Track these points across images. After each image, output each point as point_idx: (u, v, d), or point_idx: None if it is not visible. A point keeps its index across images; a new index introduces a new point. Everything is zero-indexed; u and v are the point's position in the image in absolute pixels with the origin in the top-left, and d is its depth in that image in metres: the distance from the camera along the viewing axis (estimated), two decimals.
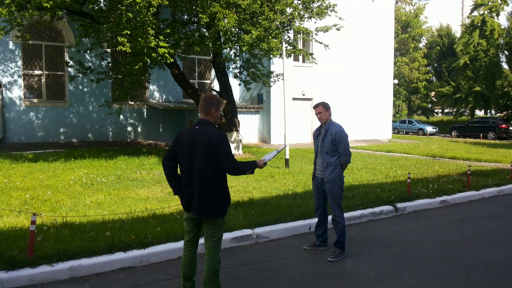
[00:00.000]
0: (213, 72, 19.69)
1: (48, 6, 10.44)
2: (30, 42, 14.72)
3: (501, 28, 37.54)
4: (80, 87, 17.77)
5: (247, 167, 3.84)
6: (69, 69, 16.44)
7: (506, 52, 39.29)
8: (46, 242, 4.89)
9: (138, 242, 5.06)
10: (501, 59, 39.33)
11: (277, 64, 18.78)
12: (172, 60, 12.04)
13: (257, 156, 14.75)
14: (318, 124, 5.52)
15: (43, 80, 17.24)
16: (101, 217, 6.04)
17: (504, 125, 29.70)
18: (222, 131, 15.67)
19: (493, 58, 36.39)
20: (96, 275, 4.56)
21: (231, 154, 3.75)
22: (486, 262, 5.14)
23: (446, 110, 59.43)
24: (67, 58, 16.78)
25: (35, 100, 17.10)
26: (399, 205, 7.69)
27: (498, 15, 37.50)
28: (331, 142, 5.21)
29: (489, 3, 36.98)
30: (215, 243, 3.79)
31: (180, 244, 5.10)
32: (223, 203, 3.79)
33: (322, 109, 5.30)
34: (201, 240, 3.91)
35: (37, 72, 17.14)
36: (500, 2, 37.05)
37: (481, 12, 37.60)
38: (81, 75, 14.94)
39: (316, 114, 5.36)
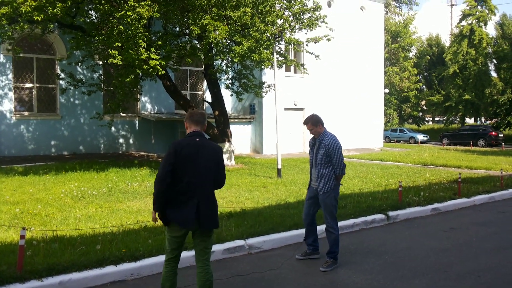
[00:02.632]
0: (205, 83, 19.76)
1: (39, 19, 10.46)
2: (21, 55, 14.69)
3: (489, 37, 38.09)
4: (72, 99, 17.71)
5: None
6: (61, 81, 16.39)
7: (494, 60, 39.83)
8: (36, 256, 4.84)
9: (129, 255, 5.02)
10: (490, 68, 39.85)
11: (268, 75, 18.90)
12: (163, 72, 12.07)
13: (249, 166, 14.74)
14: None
15: (34, 92, 17.16)
16: (91, 230, 5.99)
17: (494, 133, 30.02)
18: (214, 141, 15.66)
19: (482, 67, 36.86)
20: None
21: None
22: (478, 270, 5.16)
23: (436, 118, 59.95)
24: (58, 71, 16.73)
25: (26, 113, 17.01)
26: (391, 213, 7.71)
27: (486, 24, 38.08)
28: (324, 154, 5.22)
29: (477, 13, 37.54)
30: (209, 255, 3.82)
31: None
32: (217, 215, 3.87)
33: (311, 126, 5.31)
34: (187, 253, 3.88)
35: (28, 85, 17.07)
36: (487, 12, 37.63)
37: (470, 21, 38.16)
38: (72, 88, 14.90)
39: (308, 129, 5.39)
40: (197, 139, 3.76)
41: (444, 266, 5.30)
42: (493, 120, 38.67)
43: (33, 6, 10.13)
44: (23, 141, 16.73)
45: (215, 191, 3.85)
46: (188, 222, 3.64)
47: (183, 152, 3.65)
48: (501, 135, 30.57)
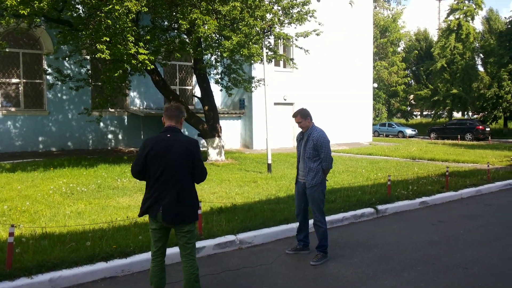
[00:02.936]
0: (194, 78, 19.67)
1: (25, 14, 10.29)
2: (7, 50, 14.46)
3: (476, 32, 38.50)
4: (59, 95, 17.52)
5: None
6: (48, 76, 16.20)
7: (481, 55, 40.31)
8: (25, 253, 4.80)
9: (119, 251, 5.01)
10: (477, 62, 40.30)
11: (258, 70, 18.87)
12: (152, 66, 11.99)
13: (239, 161, 14.76)
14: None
15: (21, 88, 16.94)
16: (81, 227, 5.96)
17: (481, 126, 30.38)
18: (204, 137, 15.55)
19: (469, 61, 37.25)
20: (77, 286, 4.50)
21: (201, 161, 3.87)
22: (465, 262, 5.25)
23: (424, 113, 60.50)
24: (45, 66, 16.53)
25: (13, 109, 16.78)
26: (380, 207, 7.79)
27: (473, 19, 38.45)
28: (312, 148, 5.24)
29: (465, 8, 37.87)
30: (191, 249, 3.81)
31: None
32: (196, 208, 3.86)
33: (300, 118, 5.32)
34: (175, 249, 3.89)
35: (14, 80, 16.84)
36: (474, 7, 37.99)
37: (457, 16, 38.49)
38: (59, 83, 14.74)
39: (296, 123, 5.40)
40: (168, 135, 3.77)
41: (433, 258, 5.38)
42: (480, 114, 39.13)
43: (19, 0, 9.96)
44: (10, 137, 16.53)
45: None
46: (155, 214, 3.71)
47: (154, 148, 3.71)
48: (488, 129, 30.96)
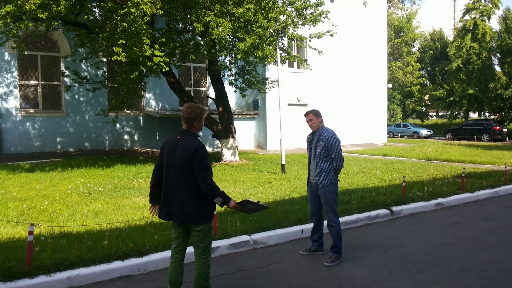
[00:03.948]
0: (208, 80, 19.79)
1: (44, 17, 10.51)
2: (26, 52, 14.77)
3: (492, 31, 37.88)
4: (76, 96, 17.80)
5: (219, 193, 3.74)
6: (65, 78, 16.48)
7: (498, 54, 39.62)
8: (44, 252, 4.90)
9: (136, 250, 5.08)
10: (494, 62, 39.66)
11: (272, 71, 18.89)
12: (167, 68, 12.11)
13: (253, 162, 14.80)
14: None
15: (39, 90, 17.26)
16: (98, 226, 6.06)
17: (497, 127, 29.89)
18: (219, 138, 15.58)
19: (486, 61, 36.69)
20: (94, 284, 4.58)
21: (205, 167, 3.73)
22: (482, 264, 5.19)
23: (440, 113, 59.74)
24: (63, 68, 16.81)
25: (32, 110, 17.11)
26: (394, 208, 7.74)
27: (489, 18, 37.87)
28: (323, 148, 5.26)
29: (480, 7, 37.34)
30: (204, 249, 3.86)
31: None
32: (205, 210, 3.83)
33: (313, 116, 5.35)
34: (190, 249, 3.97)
35: (33, 82, 17.17)
36: (491, 6, 37.41)
37: (473, 16, 37.97)
38: (77, 85, 15.00)
39: (307, 121, 5.41)
40: (179, 137, 3.87)
41: (448, 260, 5.33)
42: (497, 114, 38.48)
43: (37, 4, 10.18)
44: (29, 138, 16.85)
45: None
46: (166, 214, 3.87)
47: (164, 149, 3.92)
48: (505, 130, 30.42)
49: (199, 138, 3.93)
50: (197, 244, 3.85)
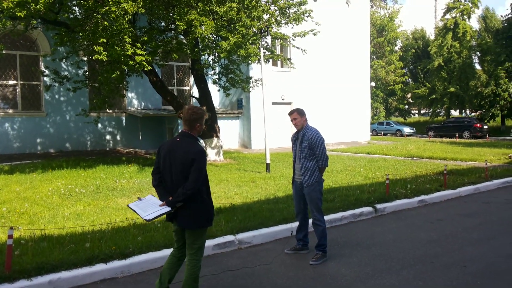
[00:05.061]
0: (192, 79, 19.67)
1: (22, 16, 10.27)
2: (3, 52, 14.44)
3: (472, 30, 38.58)
4: (57, 96, 17.49)
5: (184, 201, 3.68)
6: (45, 78, 16.18)
7: (478, 53, 40.37)
8: (24, 256, 4.80)
9: (119, 252, 5.01)
10: (474, 60, 40.37)
11: (255, 70, 18.89)
12: (149, 67, 11.98)
13: (237, 161, 14.77)
14: None
15: (18, 90, 16.91)
16: (80, 228, 5.96)
17: (478, 124, 30.44)
18: (203, 137, 15.47)
19: (466, 60, 37.32)
20: None
21: (200, 175, 3.67)
22: (464, 260, 5.26)
23: (422, 111, 60.60)
24: (42, 68, 16.49)
25: (10, 111, 16.75)
26: (378, 206, 7.81)
27: (469, 17, 38.51)
28: (307, 147, 5.27)
29: (461, 6, 37.95)
30: (197, 250, 3.84)
31: (162, 253, 5.09)
32: (203, 216, 3.78)
33: (297, 115, 5.35)
34: None
35: (11, 82, 16.80)
36: (471, 5, 38.06)
37: (454, 15, 38.56)
38: (57, 84, 14.72)
39: (291, 120, 5.41)
40: (178, 139, 3.80)
41: (431, 257, 5.39)
42: (478, 112, 39.20)
43: (15, 2, 9.93)
44: (8, 139, 16.50)
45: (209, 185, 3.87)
46: (166, 217, 3.87)
47: (161, 151, 3.84)
48: (485, 127, 31.00)
49: (199, 142, 3.86)
50: (191, 245, 3.83)
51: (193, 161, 3.64)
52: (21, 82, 16.96)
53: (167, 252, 4.31)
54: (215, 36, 12.94)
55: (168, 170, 3.75)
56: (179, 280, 4.03)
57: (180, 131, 3.89)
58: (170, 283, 4.00)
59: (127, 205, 4.01)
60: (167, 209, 3.67)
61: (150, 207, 3.73)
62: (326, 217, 6.25)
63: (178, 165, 3.68)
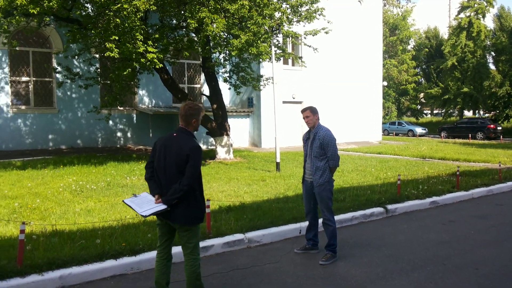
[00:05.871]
0: (202, 77, 19.70)
1: (35, 13, 10.38)
2: (17, 48, 14.61)
3: (487, 30, 38.02)
4: (69, 93, 17.64)
5: (180, 199, 3.67)
6: (57, 75, 16.34)
7: (492, 53, 39.79)
8: (36, 251, 4.84)
9: (129, 249, 5.03)
10: (488, 60, 39.82)
11: (266, 68, 18.83)
12: (161, 65, 12.01)
13: (248, 160, 14.76)
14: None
15: (31, 86, 17.09)
16: (91, 224, 5.99)
17: (492, 125, 30.02)
18: (213, 135, 15.49)
19: (480, 59, 36.83)
20: (87, 283, 4.52)
21: (195, 171, 3.67)
22: (476, 262, 5.19)
23: (435, 111, 59.98)
24: (55, 64, 16.66)
25: (23, 107, 16.94)
26: (389, 206, 7.73)
27: (484, 16, 37.98)
28: (319, 146, 5.23)
29: (475, 5, 37.45)
30: (192, 249, 3.81)
31: (172, 250, 5.08)
32: (194, 213, 3.74)
33: (310, 113, 5.32)
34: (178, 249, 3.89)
35: (24, 78, 16.99)
36: (486, 4, 37.53)
37: (468, 14, 38.07)
38: (69, 81, 14.85)
39: (303, 118, 5.38)
40: (175, 134, 3.79)
41: (443, 258, 5.32)
42: (492, 113, 38.71)
43: None
44: (20, 135, 16.69)
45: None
46: (160, 215, 3.81)
47: (157, 146, 3.85)
48: (499, 128, 30.58)
49: (195, 138, 3.84)
50: (185, 245, 3.81)
51: (187, 156, 3.63)
52: (34, 79, 17.14)
53: (176, 249, 4.29)
54: (226, 34, 12.92)
55: (162, 165, 3.74)
56: (180, 280, 4.03)
57: (178, 126, 3.89)
58: (168, 285, 3.98)
59: (122, 201, 4.04)
60: (163, 206, 3.67)
61: (146, 203, 3.77)
62: (336, 217, 6.21)
63: (173, 159, 3.67)
